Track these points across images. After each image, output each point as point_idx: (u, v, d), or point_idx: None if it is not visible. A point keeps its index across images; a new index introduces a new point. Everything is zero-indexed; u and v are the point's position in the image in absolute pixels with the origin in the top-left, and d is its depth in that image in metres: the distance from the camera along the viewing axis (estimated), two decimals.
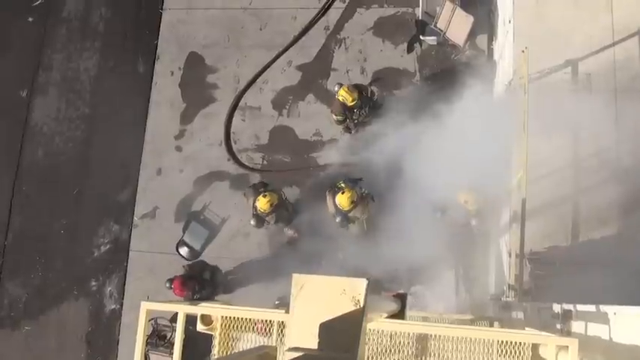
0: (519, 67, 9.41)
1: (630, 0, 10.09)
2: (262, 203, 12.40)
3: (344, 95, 12.70)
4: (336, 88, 12.99)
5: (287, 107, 14.64)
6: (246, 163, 14.51)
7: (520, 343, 5.43)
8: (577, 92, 9.43)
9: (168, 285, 12.72)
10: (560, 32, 10.10)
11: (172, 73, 15.48)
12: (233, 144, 14.70)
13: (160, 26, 15.81)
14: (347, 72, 14.35)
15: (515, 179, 9.24)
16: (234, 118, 14.83)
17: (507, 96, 10.51)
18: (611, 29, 10.00)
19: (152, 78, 15.53)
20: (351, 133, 13.67)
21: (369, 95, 13.22)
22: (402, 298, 5.31)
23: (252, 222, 12.81)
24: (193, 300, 12.28)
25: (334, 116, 13.31)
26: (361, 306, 3.56)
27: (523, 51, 9.20)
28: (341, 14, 14.86)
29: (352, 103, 12.83)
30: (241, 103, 14.85)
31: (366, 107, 13.09)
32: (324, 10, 14.91)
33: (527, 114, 8.77)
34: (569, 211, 9.49)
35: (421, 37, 13.85)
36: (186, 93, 15.28)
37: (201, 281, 12.94)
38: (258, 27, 15.24)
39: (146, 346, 6.15)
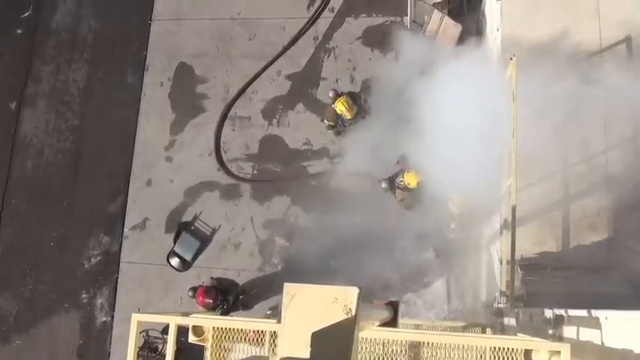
0: (508, 75, 9.45)
1: (617, 8, 10.16)
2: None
3: (343, 110, 12.89)
4: (331, 94, 13.09)
5: (277, 117, 14.65)
6: (237, 173, 14.50)
7: (512, 349, 5.45)
8: (565, 99, 9.46)
9: (191, 294, 12.83)
10: (548, 40, 10.15)
11: (162, 84, 15.46)
12: (223, 154, 14.69)
13: (149, 37, 15.80)
14: (336, 81, 14.38)
15: (505, 186, 9.26)
16: (224, 128, 14.82)
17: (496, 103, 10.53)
18: (598, 37, 10.06)
19: (141, 89, 15.51)
20: (341, 134, 13.73)
21: (362, 104, 13.37)
22: (394, 306, 5.30)
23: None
24: (214, 312, 12.48)
25: (326, 122, 13.40)
26: (353, 314, 3.55)
27: (511, 58, 9.24)
28: (330, 24, 14.91)
29: (350, 117, 13.06)
30: (231, 113, 14.86)
31: (359, 117, 13.29)
32: (313, 19, 14.95)
33: (516, 120, 8.79)
34: (559, 217, 9.52)
35: None
36: (176, 103, 15.27)
37: (224, 298, 13.03)
38: (248, 37, 15.26)
39: (137, 358, 6.10)
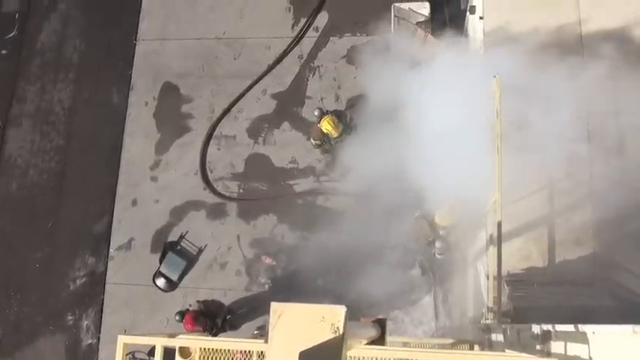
0: (491, 93, 9.50)
1: (599, 25, 10.27)
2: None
3: (329, 129, 13.12)
4: (316, 113, 13.27)
5: (262, 135, 14.66)
6: (222, 192, 14.46)
7: None
8: (549, 117, 9.52)
9: (178, 318, 12.70)
10: (531, 56, 10.22)
11: (147, 104, 15.45)
12: (209, 173, 14.66)
13: (134, 57, 15.80)
14: (321, 99, 14.43)
15: (490, 202, 9.29)
16: (209, 147, 14.81)
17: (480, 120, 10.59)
18: (581, 53, 10.16)
19: (126, 108, 15.48)
20: (328, 152, 13.86)
21: (347, 122, 13.58)
22: (381, 324, 5.29)
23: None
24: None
25: (312, 141, 13.55)
26: (340, 333, 3.55)
27: (495, 76, 9.30)
28: (314, 43, 14.99)
29: (336, 136, 13.23)
30: (216, 132, 14.86)
31: (345, 134, 13.46)
32: (298, 39, 15.02)
33: (499, 137, 8.84)
34: (544, 233, 9.55)
35: None
36: (161, 123, 15.25)
37: (212, 323, 12.97)
38: (233, 56, 15.30)
39: None
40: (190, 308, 13.16)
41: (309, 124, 14.12)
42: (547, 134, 9.37)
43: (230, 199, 14.41)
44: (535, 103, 9.49)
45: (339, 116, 13.50)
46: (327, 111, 13.56)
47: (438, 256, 12.32)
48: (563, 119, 9.41)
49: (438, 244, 12.08)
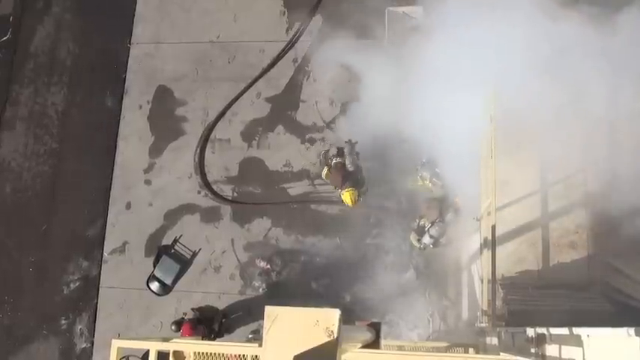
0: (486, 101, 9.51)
1: None
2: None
3: (347, 202, 12.33)
4: (334, 152, 12.63)
5: (257, 139, 14.63)
6: (220, 194, 14.44)
7: None
8: (544, 123, 9.54)
9: (174, 328, 12.60)
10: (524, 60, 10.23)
11: (141, 107, 15.41)
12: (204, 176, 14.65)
13: (128, 60, 15.75)
14: (316, 103, 14.42)
15: (485, 206, 9.30)
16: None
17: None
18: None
19: (120, 112, 15.43)
20: None
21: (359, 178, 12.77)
22: (376, 327, 5.29)
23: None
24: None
25: (324, 177, 13.05)
26: (335, 337, 3.54)
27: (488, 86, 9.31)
28: (309, 47, 14.96)
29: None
30: (210, 136, 14.82)
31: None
32: (293, 42, 15.01)
33: (494, 142, 8.86)
34: (539, 236, 9.57)
35: None
36: (155, 126, 15.21)
37: (210, 330, 12.92)
38: (227, 60, 15.27)
39: None
40: (186, 317, 13.10)
41: (304, 127, 14.12)
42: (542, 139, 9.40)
43: (229, 201, 14.35)
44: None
45: (358, 183, 12.56)
46: (340, 151, 12.71)
47: (427, 239, 11.93)
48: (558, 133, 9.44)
49: (435, 228, 11.81)
